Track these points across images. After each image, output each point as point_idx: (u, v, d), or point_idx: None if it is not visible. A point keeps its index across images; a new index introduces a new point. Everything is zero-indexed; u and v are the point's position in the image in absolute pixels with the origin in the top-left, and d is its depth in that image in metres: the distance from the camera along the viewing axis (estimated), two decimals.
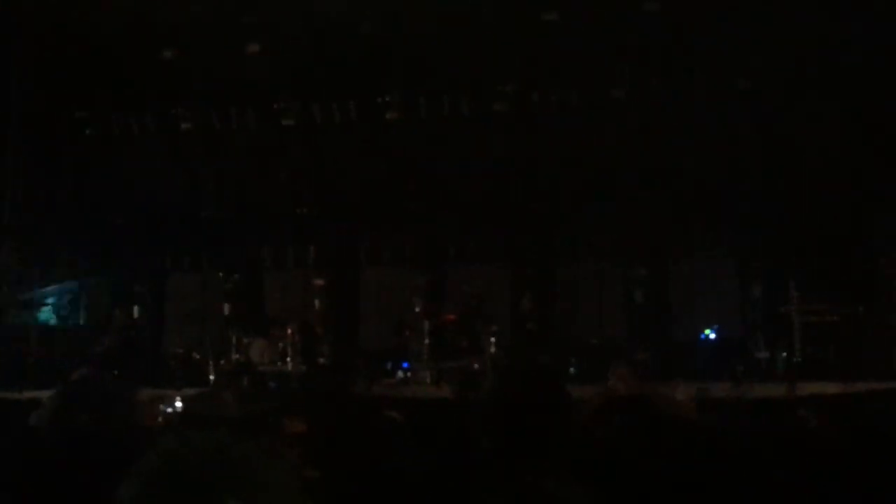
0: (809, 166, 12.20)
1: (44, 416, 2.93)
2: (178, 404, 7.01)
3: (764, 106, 12.47)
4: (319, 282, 13.53)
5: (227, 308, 13.72)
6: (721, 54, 12.22)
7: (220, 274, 13.93)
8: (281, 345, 12.41)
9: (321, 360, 12.50)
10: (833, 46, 11.75)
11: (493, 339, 11.91)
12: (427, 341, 12.03)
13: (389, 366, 12.31)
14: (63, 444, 2.80)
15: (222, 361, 12.46)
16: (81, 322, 14.47)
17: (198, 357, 12.96)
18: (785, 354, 11.53)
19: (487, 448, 2.52)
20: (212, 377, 12.38)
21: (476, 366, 11.83)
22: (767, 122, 12.47)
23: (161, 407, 6.56)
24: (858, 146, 12.17)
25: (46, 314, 14.01)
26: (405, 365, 12.14)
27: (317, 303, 13.34)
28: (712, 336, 12.52)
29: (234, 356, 12.41)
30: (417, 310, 12.39)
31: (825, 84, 11.98)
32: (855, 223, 12.20)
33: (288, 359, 12.33)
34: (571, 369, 11.80)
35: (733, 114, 12.57)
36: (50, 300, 14.23)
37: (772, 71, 12.20)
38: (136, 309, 13.97)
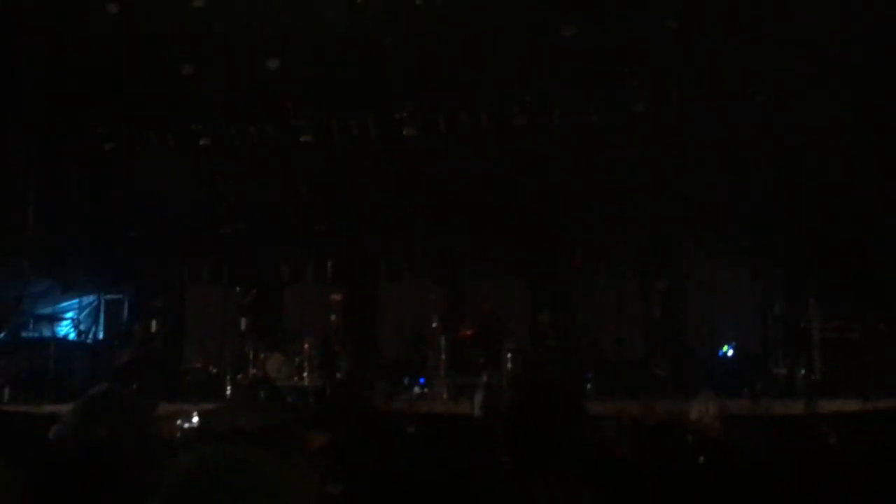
0: (832, 181, 12.12)
1: (64, 430, 2.94)
2: (195, 419, 7.03)
3: (787, 120, 12.39)
4: (337, 297, 13.54)
5: (244, 322, 13.75)
6: (735, 65, 12.19)
7: (238, 288, 13.97)
8: (298, 359, 12.43)
9: (338, 375, 12.50)
10: (847, 56, 11.70)
11: (509, 355, 11.90)
12: (444, 356, 12.02)
13: (406, 381, 12.30)
14: (83, 459, 2.81)
15: (239, 376, 12.49)
16: (101, 336, 14.53)
17: (215, 371, 12.99)
18: (804, 371, 11.45)
19: (505, 463, 2.51)
20: (229, 391, 12.41)
21: (493, 381, 11.80)
22: (790, 138, 12.40)
23: (178, 422, 6.57)
24: (884, 161, 12.08)
25: (66, 328, 14.08)
26: (422, 380, 12.12)
27: (334, 317, 13.35)
28: (730, 353, 12.45)
29: (252, 371, 12.43)
30: (435, 325, 12.39)
31: (848, 94, 11.91)
32: (877, 239, 12.11)
33: (305, 373, 12.34)
34: (589, 385, 11.75)
35: (755, 129, 12.52)
36: (69, 314, 14.31)
37: (791, 83, 12.14)
38: (154, 323, 14.02)
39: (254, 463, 1.71)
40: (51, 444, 2.98)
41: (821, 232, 12.17)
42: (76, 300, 14.52)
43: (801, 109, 12.21)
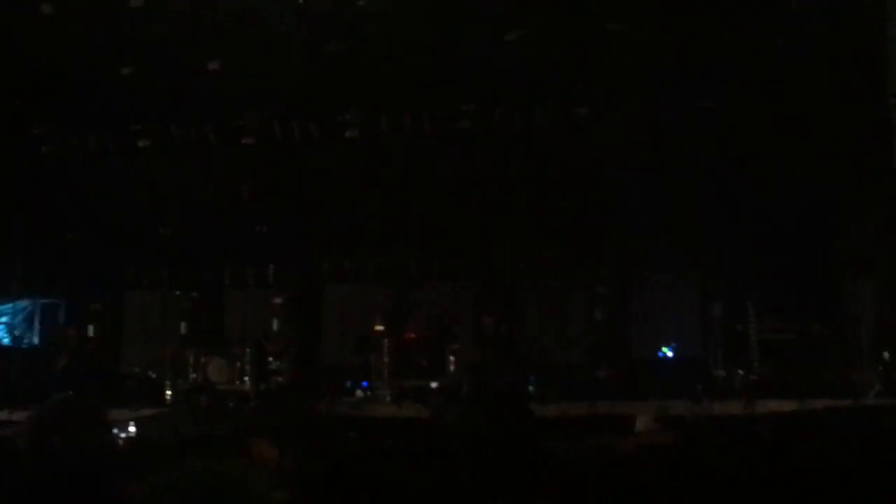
0: (769, 186, 12.35)
1: (19, 439, 2.89)
2: (132, 429, 6.90)
3: (724, 126, 12.60)
4: (279, 300, 13.44)
5: (184, 327, 13.57)
6: (679, 69, 12.36)
7: (178, 293, 13.78)
8: (239, 363, 12.32)
9: (280, 379, 12.42)
10: (788, 60, 11.94)
11: (452, 358, 11.93)
12: (387, 360, 12.01)
13: (349, 384, 12.26)
14: (38, 466, 2.77)
15: (180, 381, 12.34)
16: (36, 342, 14.25)
17: (154, 376, 12.82)
18: (742, 372, 11.63)
19: (453, 468, 2.51)
20: (169, 396, 12.25)
21: (435, 385, 11.84)
22: (728, 143, 12.61)
23: (115, 431, 6.43)
24: (818, 167, 12.33)
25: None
26: (364, 384, 12.10)
27: (276, 321, 13.25)
28: (670, 354, 12.61)
29: (192, 375, 12.30)
30: (379, 328, 12.37)
31: (788, 104, 12.14)
32: (812, 242, 12.35)
33: (246, 378, 12.24)
34: (531, 388, 11.82)
35: (694, 134, 12.70)
36: (3, 319, 14.01)
37: (736, 92, 12.34)
38: (91, 328, 13.78)
39: (213, 476, 1.69)
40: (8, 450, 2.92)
41: (757, 235, 12.38)
42: (10, 305, 14.22)
43: (741, 115, 12.43)
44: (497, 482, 2.38)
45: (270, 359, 12.47)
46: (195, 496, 1.64)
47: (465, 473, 2.40)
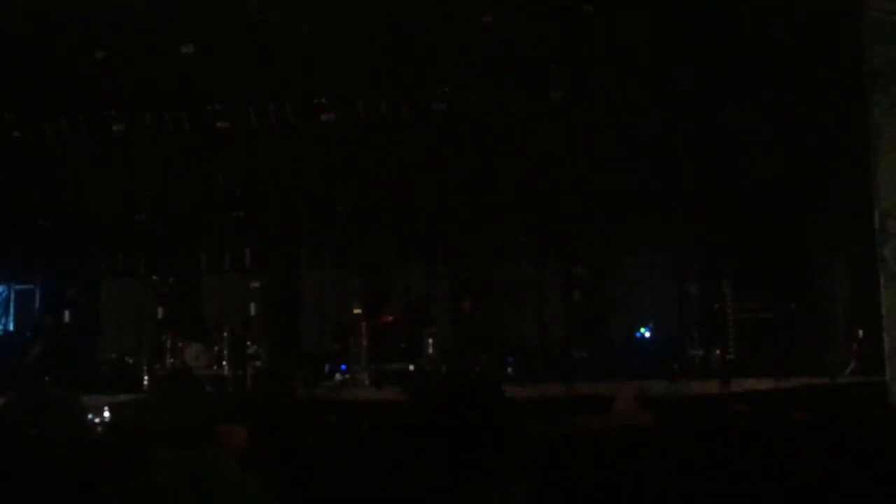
0: (743, 166, 12.41)
1: None
2: (106, 415, 6.86)
3: (697, 106, 12.64)
4: (256, 285, 13.40)
5: (161, 312, 13.50)
6: (654, 52, 12.38)
7: (155, 278, 13.71)
8: (217, 348, 12.28)
9: (258, 364, 12.39)
10: (768, 44, 11.97)
11: (430, 341, 11.95)
12: (366, 343, 12.01)
13: (328, 368, 12.26)
14: (10, 458, 2.74)
15: (157, 366, 12.29)
16: (11, 328, 14.15)
17: (131, 362, 12.77)
18: (719, 352, 11.71)
19: (425, 452, 2.51)
20: (146, 382, 12.20)
21: (413, 367, 11.86)
22: (701, 122, 12.66)
23: (89, 417, 6.39)
24: (792, 146, 12.41)
25: None
26: (343, 367, 12.10)
27: (254, 306, 13.21)
28: (647, 335, 12.68)
29: (169, 361, 12.25)
30: (356, 312, 12.36)
31: (757, 84, 12.19)
32: (788, 222, 12.44)
33: (224, 362, 12.21)
34: (510, 370, 11.86)
35: (667, 114, 12.74)
36: None
37: (703, 72, 12.37)
38: (67, 314, 13.69)
39: (197, 466, 1.68)
40: None
41: (733, 214, 12.45)
42: None
43: (717, 96, 12.47)
44: (468, 465, 2.39)
45: (248, 343, 12.43)
46: (163, 483, 1.63)
47: (435, 456, 2.40)
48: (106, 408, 6.80)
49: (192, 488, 1.67)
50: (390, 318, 12.56)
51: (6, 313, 14.18)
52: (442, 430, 2.46)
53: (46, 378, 11.41)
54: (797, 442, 5.00)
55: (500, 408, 2.51)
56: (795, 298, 11.97)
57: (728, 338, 11.69)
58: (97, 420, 5.93)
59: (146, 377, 12.25)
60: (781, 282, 12.06)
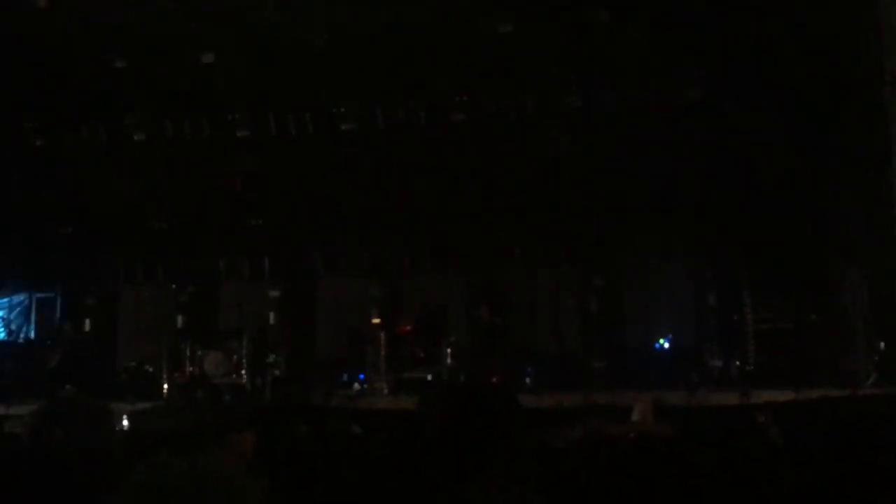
0: (765, 178, 12.32)
1: (23, 433, 2.91)
2: (125, 423, 6.89)
3: (718, 116, 12.56)
4: (275, 293, 13.42)
5: (180, 320, 13.56)
6: (669, 60, 12.34)
7: (174, 286, 13.76)
8: (235, 357, 12.31)
9: (276, 373, 12.40)
10: (782, 54, 11.91)
11: (449, 350, 11.92)
12: (383, 352, 12.00)
13: (346, 377, 12.25)
14: (41, 462, 2.79)
15: (176, 374, 12.33)
16: (32, 336, 14.23)
17: (151, 370, 12.81)
18: (738, 362, 11.63)
19: (441, 461, 2.50)
20: (166, 390, 12.25)
21: (430, 377, 11.83)
22: (722, 133, 12.57)
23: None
24: (816, 159, 12.30)
25: None
26: (361, 376, 12.09)
27: (272, 314, 13.23)
28: (666, 345, 12.60)
29: (189, 369, 12.29)
30: (374, 321, 12.36)
31: (782, 92, 12.11)
32: (808, 232, 12.35)
33: (243, 371, 12.24)
34: (527, 379, 11.81)
35: (687, 124, 12.67)
36: None
37: (728, 79, 12.30)
38: (87, 322, 13.76)
39: (209, 473, 1.69)
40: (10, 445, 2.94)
41: (753, 224, 12.37)
42: (6, 299, 14.19)
43: (735, 106, 12.39)
44: (478, 473, 2.38)
45: (267, 352, 12.45)
46: (170, 491, 1.64)
47: (446, 464, 2.40)
48: (125, 416, 6.84)
49: (197, 493, 1.67)
50: (408, 327, 12.55)
51: (27, 321, 14.27)
52: (448, 438, 2.45)
53: (67, 385, 11.46)
54: (818, 453, 4.96)
55: (511, 416, 2.50)
56: (816, 309, 11.88)
57: (748, 348, 11.62)
58: (116, 428, 5.96)
59: (166, 385, 12.30)
60: (802, 292, 11.97)
